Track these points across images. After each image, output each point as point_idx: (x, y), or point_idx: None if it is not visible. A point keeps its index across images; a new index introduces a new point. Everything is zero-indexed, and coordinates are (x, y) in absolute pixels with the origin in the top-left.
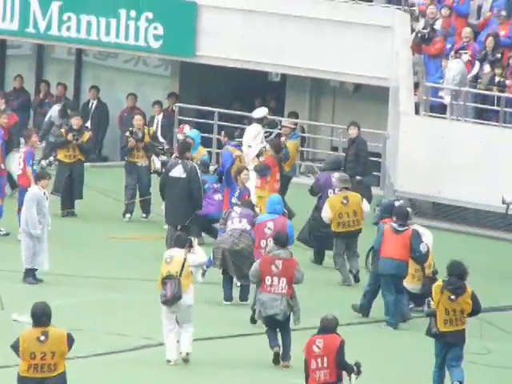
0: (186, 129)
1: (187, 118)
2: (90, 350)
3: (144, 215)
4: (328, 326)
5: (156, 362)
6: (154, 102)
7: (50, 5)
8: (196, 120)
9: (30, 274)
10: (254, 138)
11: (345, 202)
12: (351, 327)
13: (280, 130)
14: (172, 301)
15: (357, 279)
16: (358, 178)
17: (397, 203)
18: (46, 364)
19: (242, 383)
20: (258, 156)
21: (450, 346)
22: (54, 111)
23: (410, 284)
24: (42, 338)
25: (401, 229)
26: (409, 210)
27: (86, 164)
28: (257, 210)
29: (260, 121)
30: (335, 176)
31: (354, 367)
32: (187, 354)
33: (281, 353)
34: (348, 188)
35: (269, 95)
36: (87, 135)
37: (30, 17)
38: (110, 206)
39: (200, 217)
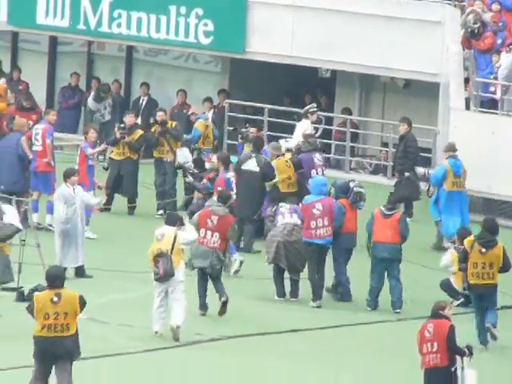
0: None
1: (237, 115)
2: (139, 345)
3: (160, 213)
4: (437, 311)
5: (207, 357)
6: (205, 99)
7: (100, 2)
8: (246, 116)
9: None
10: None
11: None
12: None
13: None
14: (165, 277)
15: None
16: (406, 174)
17: (351, 184)
18: (58, 324)
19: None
20: (288, 150)
21: (482, 297)
22: (90, 100)
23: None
24: (55, 299)
25: (389, 213)
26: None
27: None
28: None
29: (306, 116)
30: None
31: (466, 350)
32: (177, 326)
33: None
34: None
35: (319, 91)
36: (138, 133)
37: (81, 14)
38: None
39: None
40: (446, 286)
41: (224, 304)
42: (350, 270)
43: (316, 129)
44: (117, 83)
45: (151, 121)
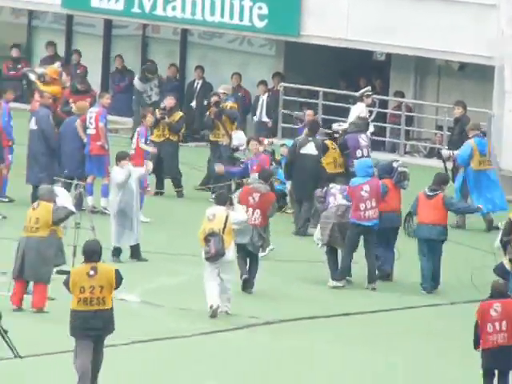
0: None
1: (292, 98)
2: (197, 327)
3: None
4: (502, 291)
5: (261, 341)
6: (259, 82)
7: None
8: (301, 99)
9: (116, 253)
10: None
11: None
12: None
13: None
14: (216, 257)
15: None
16: None
17: (395, 164)
18: (94, 297)
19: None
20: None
21: None
22: (136, 81)
23: None
24: (92, 272)
25: (431, 194)
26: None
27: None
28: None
29: (361, 99)
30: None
31: None
32: (226, 312)
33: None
34: None
35: (373, 74)
36: (178, 115)
37: None
38: None
39: None
40: (500, 269)
41: (245, 281)
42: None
43: (370, 112)
44: (173, 67)
45: (205, 103)
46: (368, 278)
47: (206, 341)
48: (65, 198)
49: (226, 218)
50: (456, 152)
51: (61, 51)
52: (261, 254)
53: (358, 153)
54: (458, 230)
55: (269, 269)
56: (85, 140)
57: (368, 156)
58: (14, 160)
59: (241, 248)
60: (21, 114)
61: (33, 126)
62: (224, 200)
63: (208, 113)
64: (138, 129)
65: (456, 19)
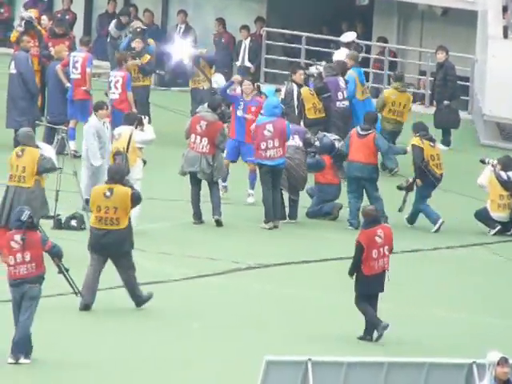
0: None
1: (275, 43)
2: (180, 273)
3: None
4: (377, 217)
5: (242, 285)
6: (242, 27)
7: None
8: (283, 44)
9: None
10: None
11: None
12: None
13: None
14: None
15: None
16: (445, 102)
17: (337, 144)
18: (108, 217)
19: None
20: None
21: None
22: (111, 27)
23: (496, 212)
24: (108, 193)
25: (364, 133)
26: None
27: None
28: None
29: (348, 45)
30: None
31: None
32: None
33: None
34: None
35: (356, 20)
36: (147, 58)
37: None
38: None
39: None
40: (482, 215)
41: (217, 222)
42: None
43: None
44: (148, 13)
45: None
46: (265, 214)
47: (190, 285)
48: (49, 153)
49: (130, 136)
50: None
51: None
52: (222, 195)
53: (339, 95)
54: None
55: (247, 214)
56: (67, 85)
57: (345, 99)
58: None
59: (192, 176)
60: (5, 58)
61: (12, 69)
62: (131, 120)
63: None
64: (118, 73)
65: None
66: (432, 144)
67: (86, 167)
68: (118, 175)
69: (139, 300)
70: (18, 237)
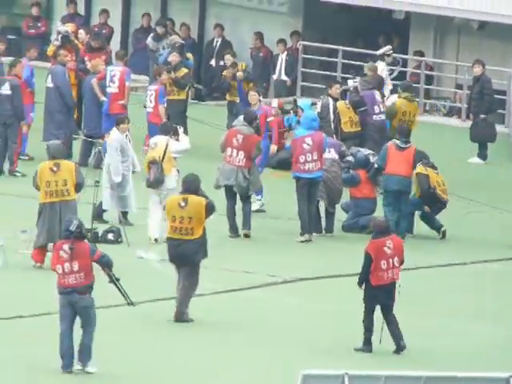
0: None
1: (311, 57)
2: (214, 287)
3: None
4: (388, 228)
5: (279, 298)
6: (279, 41)
7: None
8: (319, 58)
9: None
10: None
11: None
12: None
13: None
14: (155, 184)
15: None
16: (482, 116)
17: (372, 158)
18: (183, 227)
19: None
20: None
21: None
22: (149, 39)
23: None
24: (183, 203)
25: (404, 146)
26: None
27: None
28: None
29: (382, 58)
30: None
31: None
32: (154, 239)
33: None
34: None
35: (393, 33)
36: (183, 71)
37: None
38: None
39: None
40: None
41: (245, 236)
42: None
43: (391, 71)
44: (185, 26)
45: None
46: (301, 227)
47: (226, 298)
48: (185, 144)
49: (166, 146)
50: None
51: (81, 9)
52: (253, 207)
53: (376, 109)
54: (481, 190)
55: (283, 227)
56: (102, 98)
57: (382, 113)
58: (35, 118)
59: (228, 190)
60: (42, 72)
61: (49, 83)
62: (167, 130)
63: (224, 75)
64: (153, 87)
65: None
66: (436, 171)
67: (107, 181)
68: (193, 185)
69: (182, 316)
70: (66, 246)
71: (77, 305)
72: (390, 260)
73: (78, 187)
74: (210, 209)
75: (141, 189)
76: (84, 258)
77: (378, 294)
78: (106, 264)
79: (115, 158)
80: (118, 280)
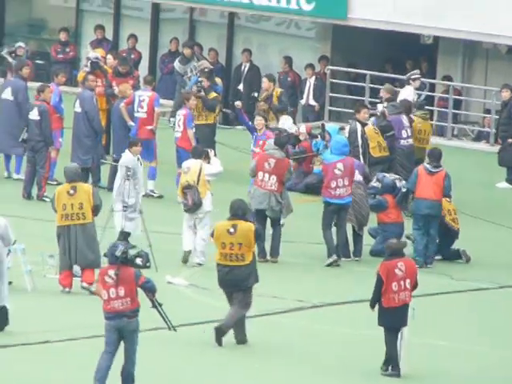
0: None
1: (339, 81)
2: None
3: None
4: (400, 250)
5: (307, 324)
6: (307, 65)
7: None
8: (347, 83)
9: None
10: None
11: None
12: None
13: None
14: (194, 208)
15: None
16: (510, 140)
17: (398, 183)
18: (233, 254)
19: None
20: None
21: None
22: (176, 63)
23: None
24: (232, 230)
25: (434, 170)
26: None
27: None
28: None
29: (409, 82)
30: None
31: None
32: (198, 264)
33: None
34: None
35: (421, 58)
36: (212, 95)
37: None
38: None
39: None
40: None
41: (273, 262)
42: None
43: (419, 95)
44: (213, 51)
45: (255, 94)
46: (328, 252)
47: (255, 324)
48: (217, 167)
49: (200, 170)
50: None
51: (109, 35)
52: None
53: (404, 133)
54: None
55: (311, 252)
56: (130, 123)
57: (410, 137)
58: (64, 143)
59: (259, 214)
60: (71, 97)
61: (77, 108)
62: (199, 153)
63: (258, 106)
64: (181, 112)
65: (503, 2)
66: (448, 200)
67: (119, 202)
68: (241, 210)
69: (242, 338)
70: (111, 272)
71: (124, 329)
72: (402, 282)
73: (96, 210)
74: (257, 234)
75: (168, 213)
76: (129, 283)
77: (390, 316)
78: (150, 289)
79: (126, 180)
80: (160, 305)
